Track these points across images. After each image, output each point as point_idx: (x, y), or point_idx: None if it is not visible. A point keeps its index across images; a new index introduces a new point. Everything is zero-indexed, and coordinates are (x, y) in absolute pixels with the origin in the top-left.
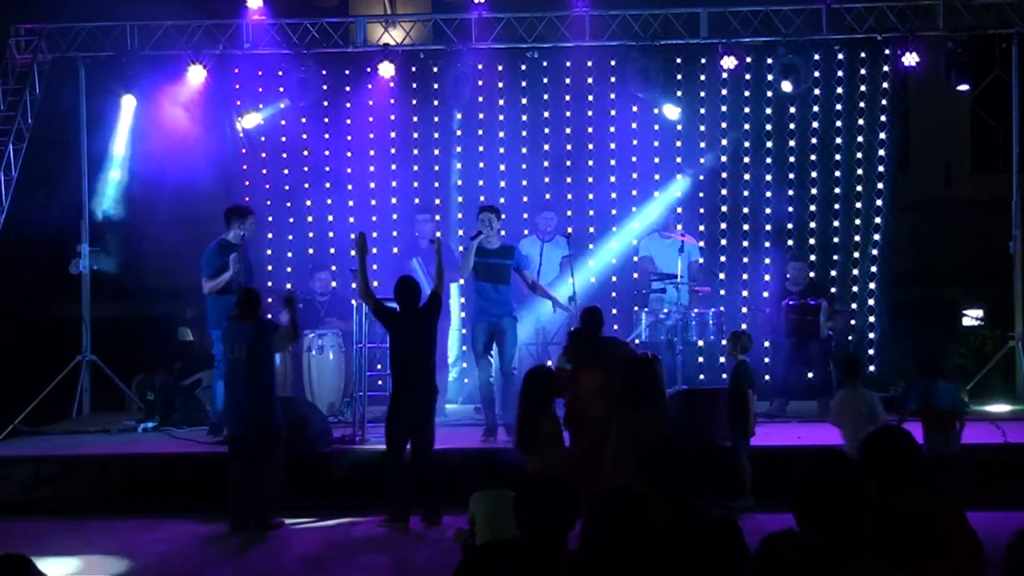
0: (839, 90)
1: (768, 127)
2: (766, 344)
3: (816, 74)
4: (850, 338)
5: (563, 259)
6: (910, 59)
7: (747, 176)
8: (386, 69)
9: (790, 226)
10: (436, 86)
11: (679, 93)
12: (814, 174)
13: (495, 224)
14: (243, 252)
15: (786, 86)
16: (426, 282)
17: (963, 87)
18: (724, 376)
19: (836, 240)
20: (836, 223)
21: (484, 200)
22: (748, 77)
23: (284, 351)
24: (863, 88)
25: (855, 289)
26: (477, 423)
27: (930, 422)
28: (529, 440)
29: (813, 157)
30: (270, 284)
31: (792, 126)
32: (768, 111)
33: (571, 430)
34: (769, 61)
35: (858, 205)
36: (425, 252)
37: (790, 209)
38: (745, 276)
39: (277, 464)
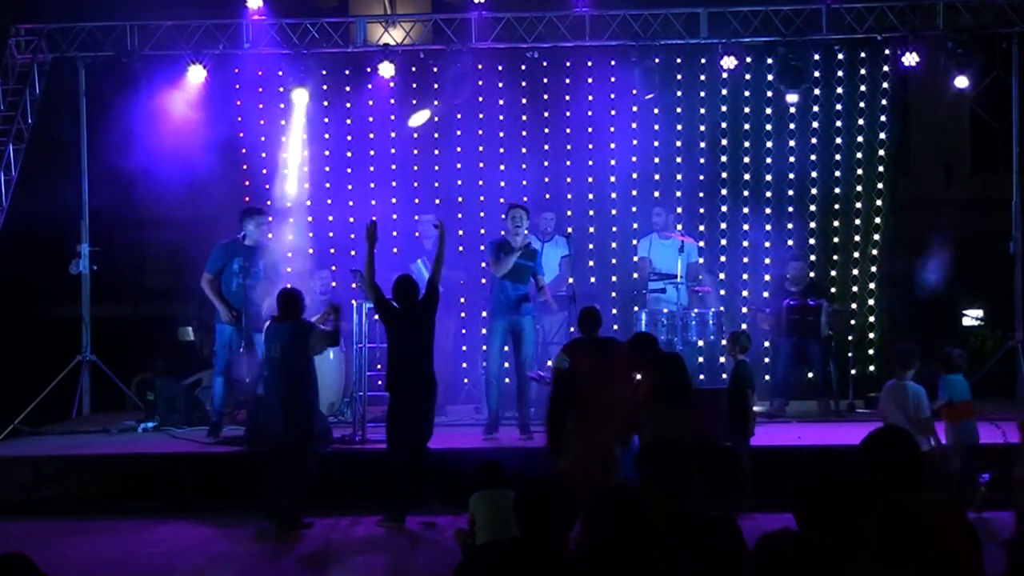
0: (839, 90)
1: (768, 127)
2: (766, 344)
3: (816, 74)
4: (850, 338)
5: (562, 259)
6: (910, 59)
7: (747, 176)
8: (386, 69)
9: (790, 226)
10: (436, 86)
11: (679, 93)
12: (814, 174)
13: (525, 222)
14: (261, 253)
15: (791, 97)
16: None
17: (962, 81)
18: (724, 376)
19: (836, 240)
20: (836, 222)
21: (484, 200)
22: (748, 77)
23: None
24: (863, 88)
25: (855, 289)
26: (478, 423)
27: (963, 413)
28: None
29: (813, 157)
30: None
31: (792, 126)
32: (768, 111)
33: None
34: (769, 61)
35: (858, 205)
36: (429, 253)
37: (790, 209)
38: (745, 276)
39: (308, 463)
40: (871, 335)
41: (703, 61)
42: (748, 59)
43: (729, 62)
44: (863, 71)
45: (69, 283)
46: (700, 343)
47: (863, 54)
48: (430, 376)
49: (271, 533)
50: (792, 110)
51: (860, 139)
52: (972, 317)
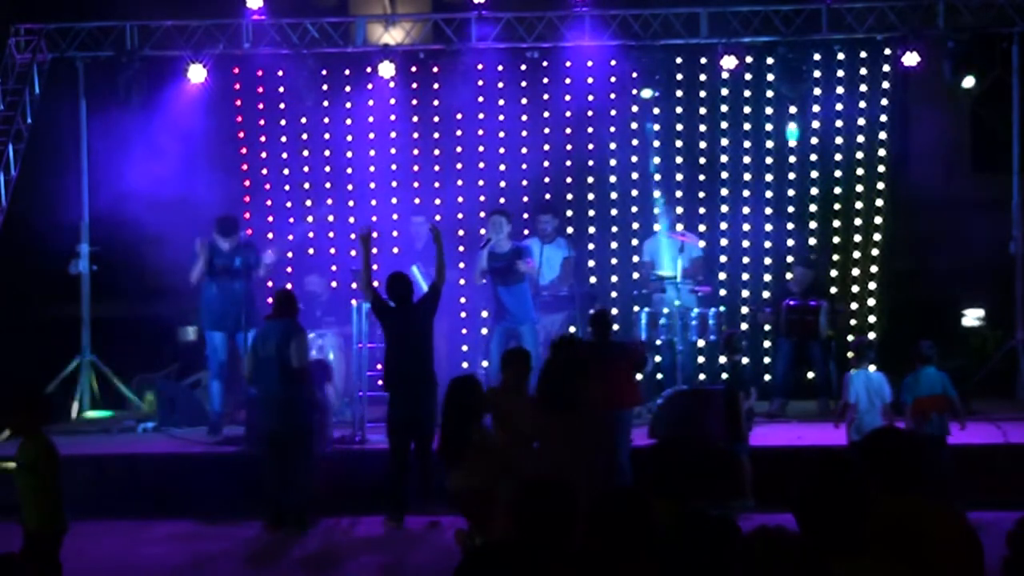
0: (839, 90)
1: (768, 127)
2: (767, 344)
3: (816, 74)
4: (850, 338)
5: (564, 259)
6: (910, 59)
7: (747, 176)
8: (386, 69)
9: (791, 226)
10: (436, 86)
11: (679, 93)
12: (814, 174)
13: (504, 227)
14: (238, 251)
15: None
16: (426, 287)
17: (969, 82)
18: (724, 376)
19: (836, 240)
20: (836, 222)
21: (484, 200)
22: (748, 77)
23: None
24: (863, 88)
25: (855, 289)
26: None
27: (917, 410)
28: (457, 453)
29: (813, 157)
30: (270, 284)
31: (792, 126)
32: (768, 111)
33: None
34: (769, 61)
35: (858, 205)
36: (422, 254)
37: (790, 209)
38: (746, 276)
39: (310, 461)
40: (871, 335)
41: (703, 61)
42: (748, 59)
43: (729, 62)
44: (863, 71)
45: (69, 283)
46: (700, 343)
47: (863, 54)
48: (429, 376)
49: (275, 534)
50: (792, 110)
51: (860, 139)
52: (972, 317)
